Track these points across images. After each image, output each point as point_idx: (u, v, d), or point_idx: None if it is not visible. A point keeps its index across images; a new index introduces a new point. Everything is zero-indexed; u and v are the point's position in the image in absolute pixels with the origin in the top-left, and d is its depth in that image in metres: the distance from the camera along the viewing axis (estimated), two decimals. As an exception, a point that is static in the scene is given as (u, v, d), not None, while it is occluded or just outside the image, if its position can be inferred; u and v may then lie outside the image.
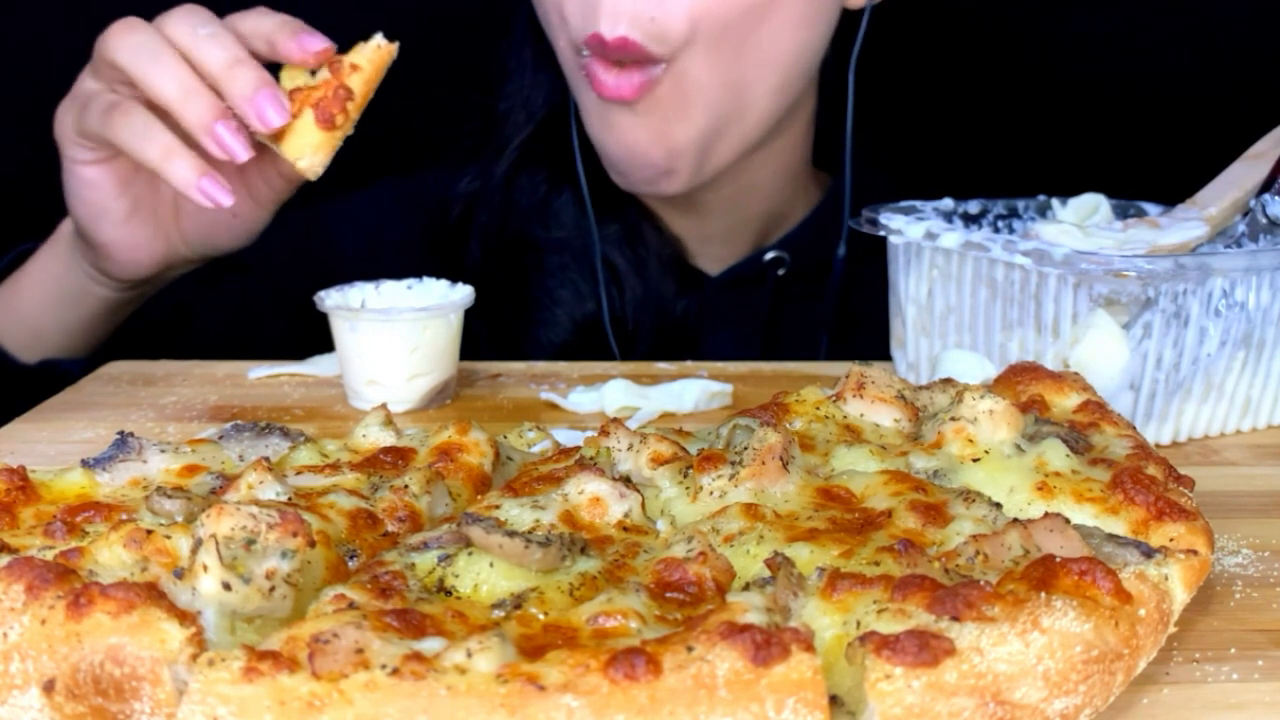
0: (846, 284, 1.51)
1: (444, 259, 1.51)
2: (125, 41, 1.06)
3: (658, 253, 1.50)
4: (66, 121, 1.15)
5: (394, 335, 1.12)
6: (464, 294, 1.17)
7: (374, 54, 1.07)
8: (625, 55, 1.24)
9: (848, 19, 1.40)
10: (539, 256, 1.51)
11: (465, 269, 1.52)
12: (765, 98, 1.33)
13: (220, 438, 0.87)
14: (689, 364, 1.31)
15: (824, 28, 1.36)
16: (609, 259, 1.48)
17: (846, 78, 1.44)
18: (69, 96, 1.15)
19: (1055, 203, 1.30)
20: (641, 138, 1.30)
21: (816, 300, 1.53)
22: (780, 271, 1.52)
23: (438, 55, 1.81)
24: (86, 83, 1.13)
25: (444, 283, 1.19)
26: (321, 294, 1.16)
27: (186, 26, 1.06)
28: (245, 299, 1.49)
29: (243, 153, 1.04)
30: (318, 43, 1.06)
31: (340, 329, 1.14)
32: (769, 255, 1.52)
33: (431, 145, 1.62)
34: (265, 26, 1.07)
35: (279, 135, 1.05)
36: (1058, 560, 0.63)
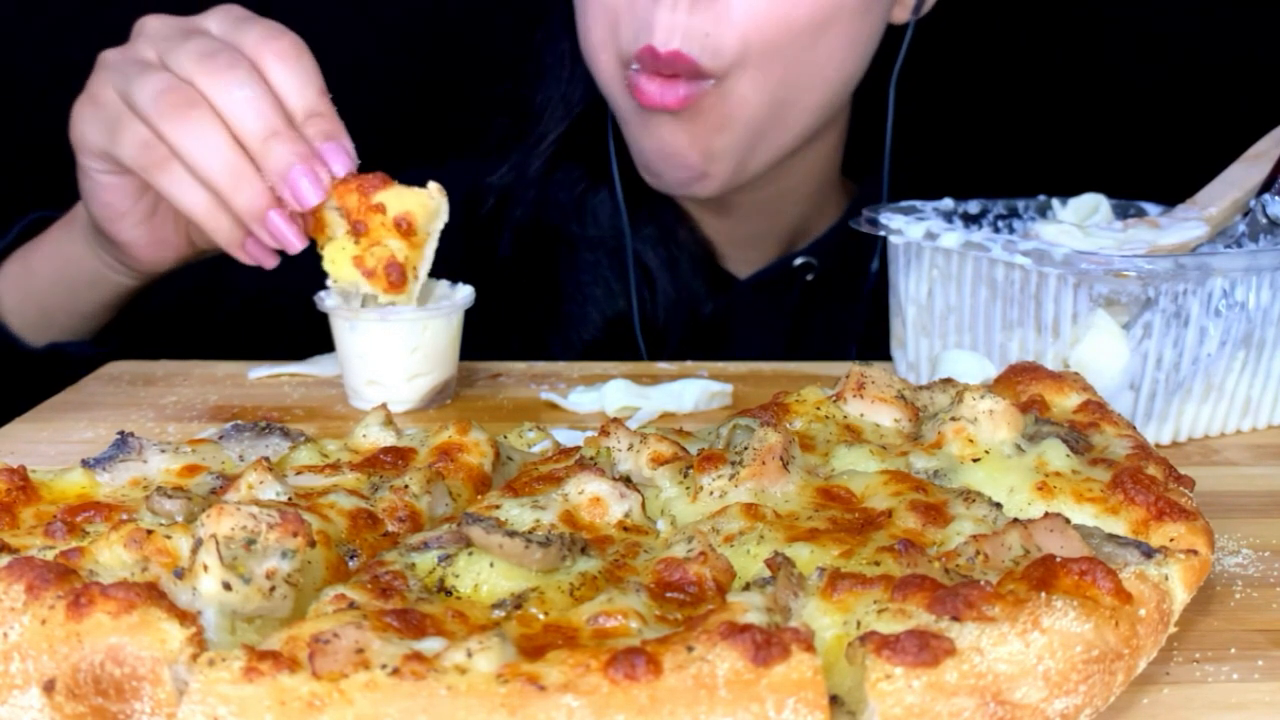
0: (877, 295, 1.51)
1: (474, 249, 1.51)
2: (172, 115, 1.03)
3: (690, 253, 1.51)
4: (89, 136, 1.11)
5: (394, 335, 1.12)
6: (464, 294, 1.16)
7: (418, 202, 1.06)
8: (676, 68, 1.24)
9: (888, 33, 1.41)
10: (572, 252, 1.51)
11: (496, 262, 1.52)
12: (807, 114, 1.35)
13: (220, 438, 0.87)
14: (689, 364, 1.31)
15: (870, 47, 1.37)
16: (641, 258, 1.48)
17: (882, 89, 1.45)
18: (88, 102, 1.11)
19: (1055, 203, 1.30)
20: (681, 141, 1.31)
21: (842, 306, 1.53)
22: (809, 277, 1.53)
23: (466, 46, 1.81)
24: (106, 92, 1.09)
25: (444, 282, 1.18)
26: (322, 294, 1.15)
27: (224, 86, 1.02)
28: (275, 277, 1.48)
29: (297, 242, 1.04)
30: (340, 162, 1.03)
31: (340, 329, 1.13)
32: (798, 260, 1.53)
33: (459, 136, 1.61)
34: (295, 100, 1.04)
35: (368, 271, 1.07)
36: (1058, 560, 0.63)
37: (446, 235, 1.09)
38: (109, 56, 1.11)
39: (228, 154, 1.02)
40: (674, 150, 1.32)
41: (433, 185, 1.08)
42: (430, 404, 1.16)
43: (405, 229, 1.06)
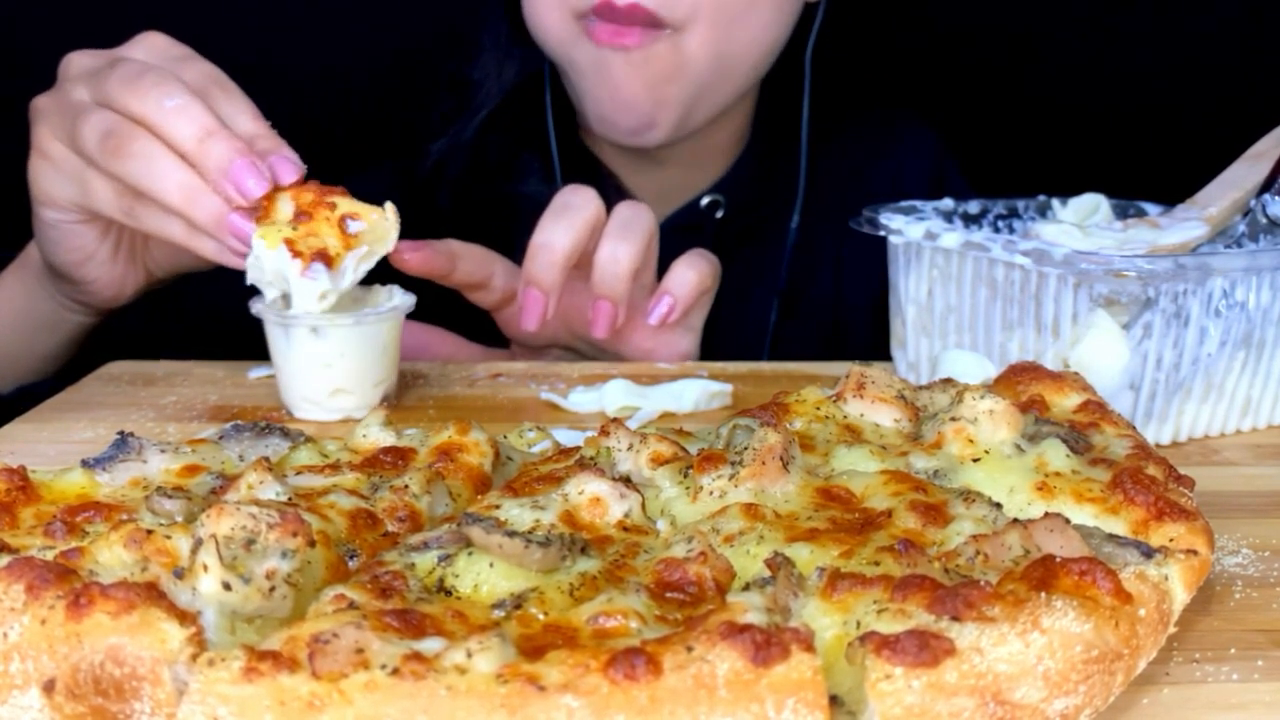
0: (798, 250, 1.64)
1: (414, 212, 1.57)
2: (122, 155, 1.05)
3: None
4: (54, 192, 1.13)
5: (367, 338, 1.08)
6: (406, 296, 1.12)
7: (368, 210, 1.08)
8: (635, 19, 1.34)
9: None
10: (507, 209, 1.58)
11: (436, 216, 1.59)
12: (743, 73, 1.48)
13: (220, 438, 0.87)
14: (689, 364, 1.31)
15: (794, 18, 1.50)
16: None
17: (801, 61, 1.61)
18: (39, 156, 1.13)
19: (1055, 203, 1.30)
20: (635, 86, 1.40)
21: (760, 255, 1.63)
22: (719, 214, 1.62)
23: (421, 31, 1.86)
24: (54, 146, 1.11)
25: (383, 287, 1.14)
26: (261, 306, 1.10)
27: (154, 101, 1.05)
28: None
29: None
30: (287, 171, 1.06)
31: (296, 337, 1.08)
32: (705, 200, 1.62)
33: (406, 125, 1.67)
34: (242, 125, 1.08)
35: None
36: (1058, 560, 0.63)
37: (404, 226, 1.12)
38: (41, 104, 1.14)
39: (176, 174, 1.05)
40: (628, 96, 1.40)
41: (389, 206, 1.09)
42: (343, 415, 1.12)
43: (346, 225, 1.07)
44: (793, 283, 1.64)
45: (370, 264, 1.09)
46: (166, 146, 1.05)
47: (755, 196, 1.64)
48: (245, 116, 1.09)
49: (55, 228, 1.17)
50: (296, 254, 1.05)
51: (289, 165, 1.06)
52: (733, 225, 1.63)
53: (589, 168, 1.60)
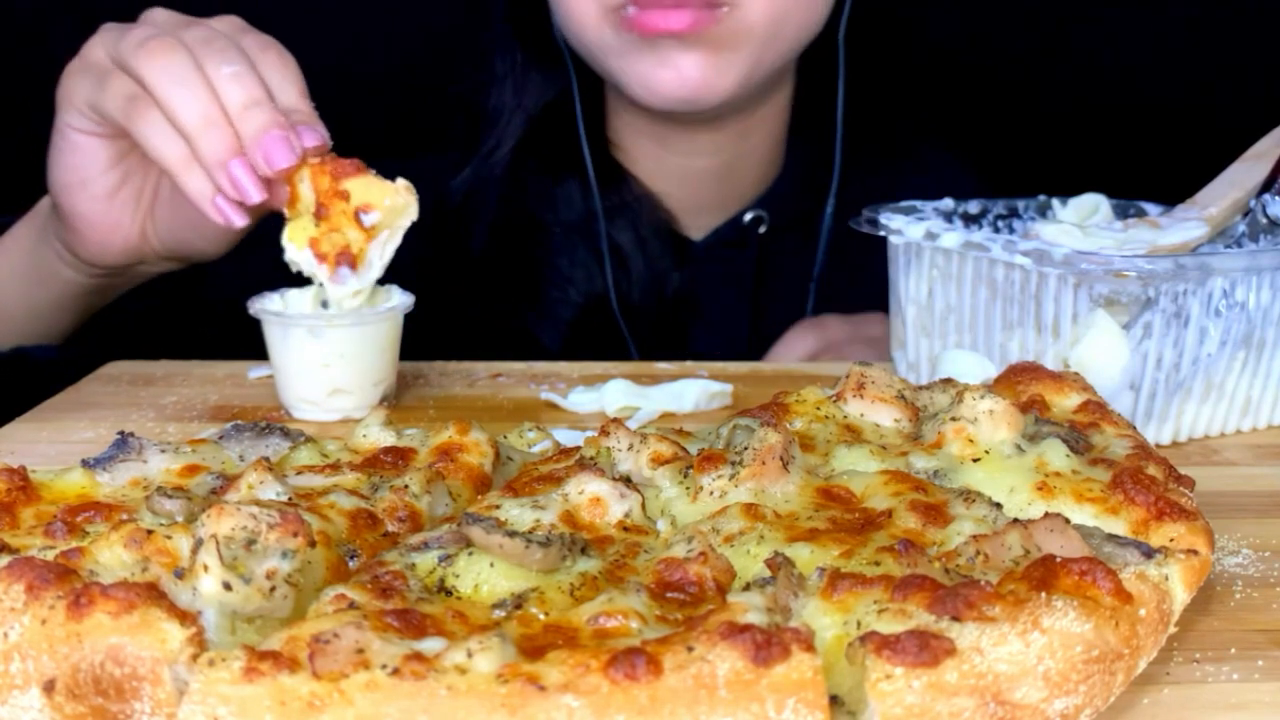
0: (834, 239, 1.61)
1: (443, 247, 1.56)
2: (155, 58, 1.06)
3: (655, 228, 1.57)
4: (75, 91, 1.14)
5: (366, 339, 1.08)
6: (405, 295, 1.12)
7: (382, 195, 1.07)
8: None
9: None
10: (547, 238, 1.56)
11: (469, 257, 1.57)
12: (795, 35, 1.44)
13: (220, 438, 0.87)
14: (689, 364, 1.31)
15: None
16: (614, 240, 1.55)
17: (835, 46, 1.57)
18: (80, 62, 1.14)
19: (1055, 203, 1.30)
20: (690, 58, 1.36)
21: (802, 259, 1.61)
22: (761, 229, 1.60)
23: (431, 45, 1.85)
24: (98, 53, 1.13)
25: (383, 286, 1.13)
26: (261, 304, 1.10)
27: (214, 64, 1.06)
28: (266, 278, 1.50)
29: (255, 194, 1.05)
30: (310, 138, 1.06)
31: (295, 337, 1.08)
32: (749, 215, 1.60)
33: (426, 134, 1.64)
34: (285, 97, 1.08)
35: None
36: (1058, 560, 0.63)
37: (413, 236, 1.11)
38: (108, 26, 1.15)
39: (203, 101, 1.05)
40: (683, 64, 1.36)
41: (401, 181, 1.08)
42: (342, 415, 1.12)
43: (362, 220, 1.06)
44: (828, 267, 1.62)
45: (397, 242, 1.08)
46: (205, 79, 1.05)
47: (797, 211, 1.62)
48: (292, 90, 1.09)
49: (64, 137, 1.17)
50: (321, 257, 1.06)
51: (312, 133, 1.06)
52: (776, 240, 1.60)
53: (625, 189, 1.57)
